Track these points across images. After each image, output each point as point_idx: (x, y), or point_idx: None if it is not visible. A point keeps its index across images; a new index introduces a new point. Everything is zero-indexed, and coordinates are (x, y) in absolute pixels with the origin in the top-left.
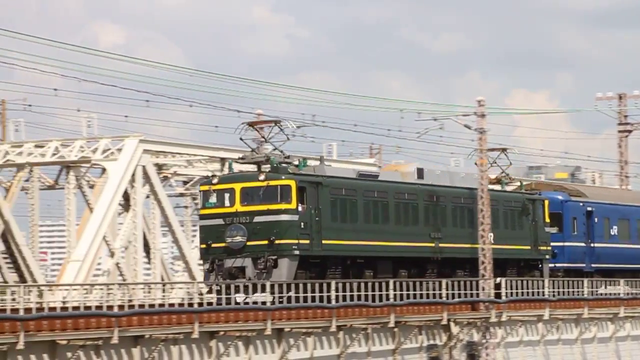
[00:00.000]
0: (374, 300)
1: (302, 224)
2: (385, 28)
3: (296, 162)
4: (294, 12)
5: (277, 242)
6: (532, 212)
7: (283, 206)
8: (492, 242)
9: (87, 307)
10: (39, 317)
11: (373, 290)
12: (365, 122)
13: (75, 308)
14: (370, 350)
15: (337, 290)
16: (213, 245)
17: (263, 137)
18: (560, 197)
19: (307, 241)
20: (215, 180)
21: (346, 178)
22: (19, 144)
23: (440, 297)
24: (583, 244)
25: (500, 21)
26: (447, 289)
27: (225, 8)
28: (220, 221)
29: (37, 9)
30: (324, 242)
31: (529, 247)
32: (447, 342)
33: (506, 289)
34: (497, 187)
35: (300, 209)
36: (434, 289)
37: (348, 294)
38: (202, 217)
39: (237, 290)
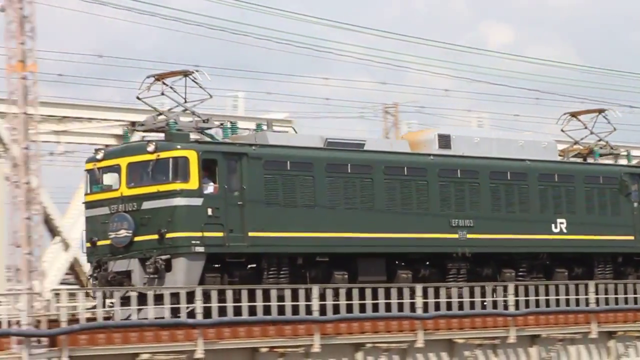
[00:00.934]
0: None
1: (209, 210)
2: None
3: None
4: None
5: (168, 235)
6: (638, 191)
7: (177, 186)
8: (564, 231)
9: (483, 307)
10: (436, 317)
11: None
12: None
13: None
14: None
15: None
16: (99, 242)
17: (163, 93)
18: None
19: (220, 234)
20: (99, 156)
21: (296, 147)
22: None
23: None
24: None
25: None
26: None
27: (616, 1)
28: (105, 210)
29: (426, 12)
30: (251, 234)
31: (630, 238)
32: None
33: None
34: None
35: (210, 189)
36: None
37: None
38: (87, 205)
39: (123, 302)
